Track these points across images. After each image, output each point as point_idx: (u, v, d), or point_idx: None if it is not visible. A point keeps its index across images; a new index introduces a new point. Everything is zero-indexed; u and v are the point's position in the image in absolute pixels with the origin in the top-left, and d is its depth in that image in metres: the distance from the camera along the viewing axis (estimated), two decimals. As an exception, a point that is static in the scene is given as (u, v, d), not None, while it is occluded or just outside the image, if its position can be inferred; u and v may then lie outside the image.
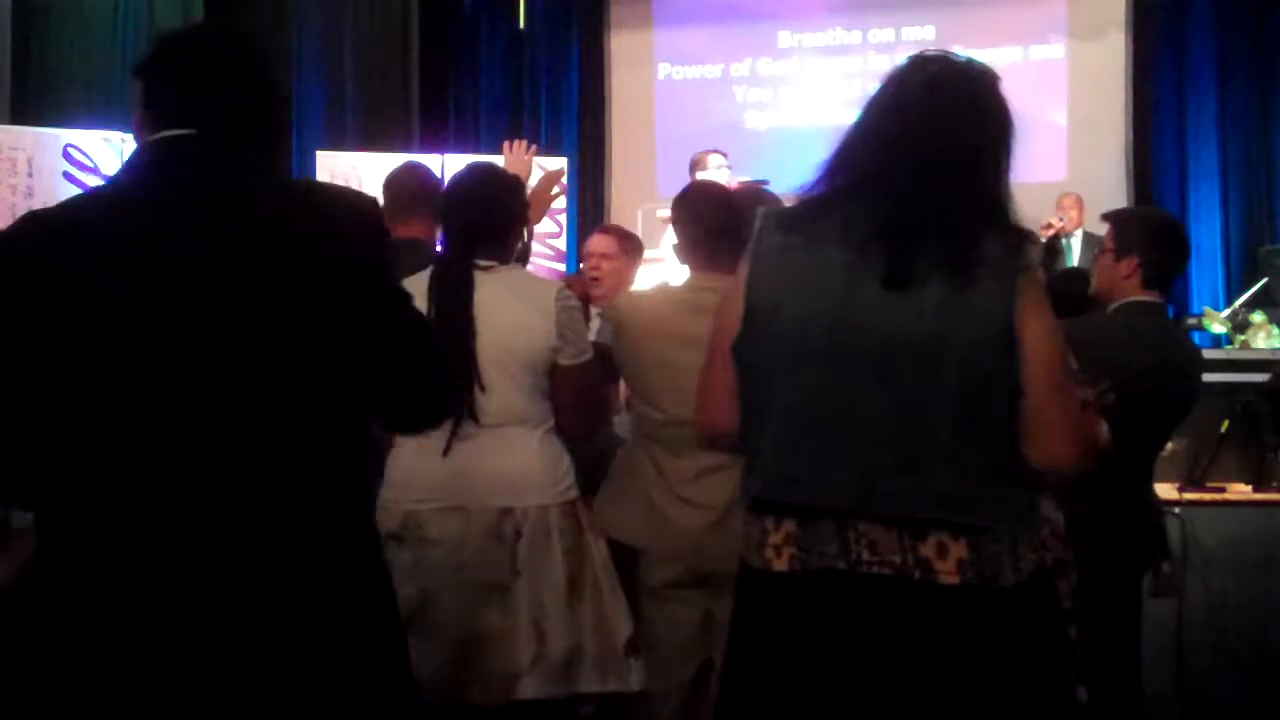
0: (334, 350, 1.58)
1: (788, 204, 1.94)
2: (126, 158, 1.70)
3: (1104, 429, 2.04)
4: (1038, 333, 1.74)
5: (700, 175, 6.21)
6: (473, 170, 2.96)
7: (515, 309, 2.74)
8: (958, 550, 1.74)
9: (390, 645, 1.66)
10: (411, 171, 3.58)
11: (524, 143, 3.65)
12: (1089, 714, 2.31)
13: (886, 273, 1.74)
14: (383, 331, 1.64)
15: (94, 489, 1.52)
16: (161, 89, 1.69)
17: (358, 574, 1.62)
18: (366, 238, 1.66)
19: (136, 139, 1.73)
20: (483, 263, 2.75)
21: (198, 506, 1.51)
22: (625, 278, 3.89)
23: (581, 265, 4.13)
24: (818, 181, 1.87)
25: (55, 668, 1.50)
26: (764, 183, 6.09)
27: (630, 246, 3.98)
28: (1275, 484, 4.14)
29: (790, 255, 1.81)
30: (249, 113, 1.70)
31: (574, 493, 2.80)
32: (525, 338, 2.74)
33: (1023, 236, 1.79)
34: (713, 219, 3.05)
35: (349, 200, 1.72)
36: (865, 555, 1.75)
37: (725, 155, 6.33)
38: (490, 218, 2.81)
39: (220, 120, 1.66)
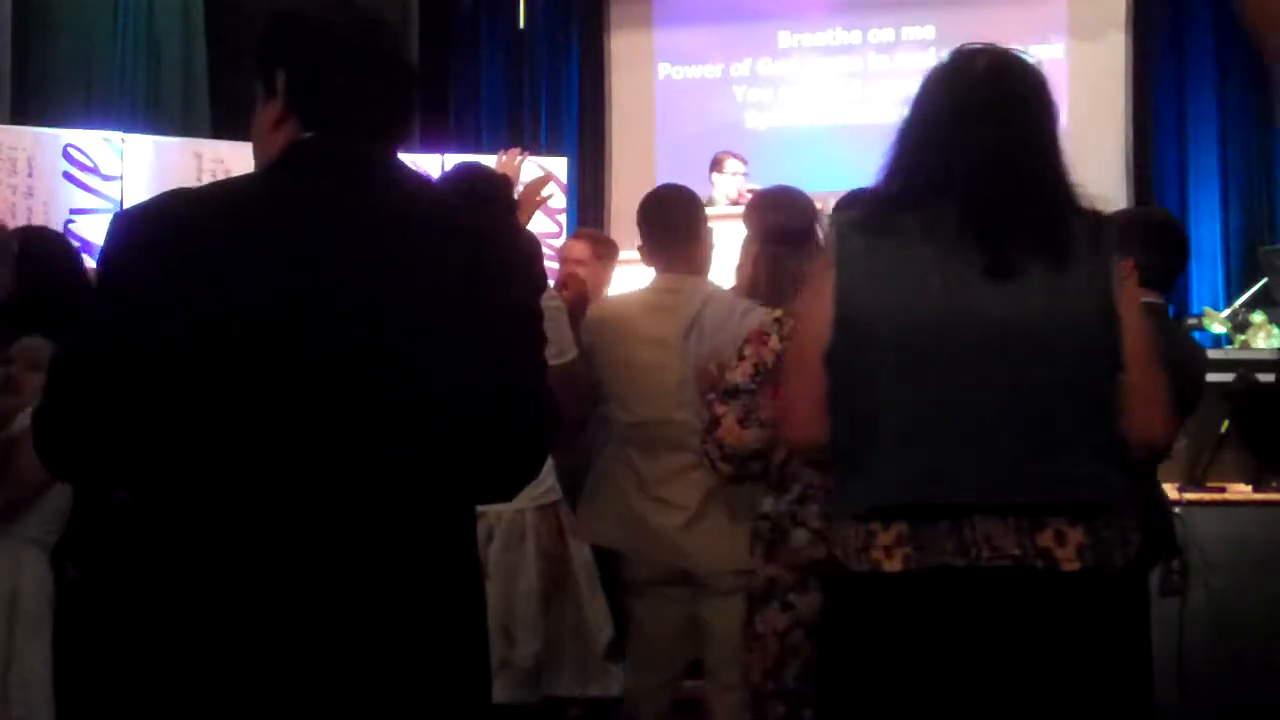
0: (460, 364, 1.54)
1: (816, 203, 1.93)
2: (282, 153, 1.60)
3: None
4: (1132, 308, 1.79)
5: (716, 176, 6.23)
6: (457, 169, 2.97)
7: None
8: (1076, 536, 1.75)
9: (476, 664, 1.64)
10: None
11: (515, 150, 3.69)
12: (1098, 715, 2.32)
13: (988, 263, 1.74)
14: (506, 352, 1.58)
15: (201, 484, 1.48)
16: (316, 83, 1.60)
17: (456, 594, 1.59)
18: (521, 273, 1.64)
19: (263, 135, 1.63)
20: None
21: (306, 512, 1.48)
22: (601, 282, 3.90)
23: (560, 269, 4.14)
24: (885, 182, 1.87)
25: (157, 658, 1.48)
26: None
27: (605, 250, 4.01)
28: (1275, 484, 4.15)
29: (878, 257, 1.80)
30: (401, 105, 1.66)
31: (554, 495, 2.80)
32: None
33: (1103, 217, 1.84)
34: (671, 221, 3.08)
35: (495, 218, 1.70)
36: (984, 550, 1.74)
37: (744, 161, 6.34)
38: None
39: (378, 117, 1.62)
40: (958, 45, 1.92)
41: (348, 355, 1.48)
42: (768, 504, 2.65)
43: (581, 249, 3.95)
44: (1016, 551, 1.74)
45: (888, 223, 1.81)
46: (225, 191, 1.61)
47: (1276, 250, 6.13)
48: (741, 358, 2.65)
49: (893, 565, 1.77)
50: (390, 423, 1.50)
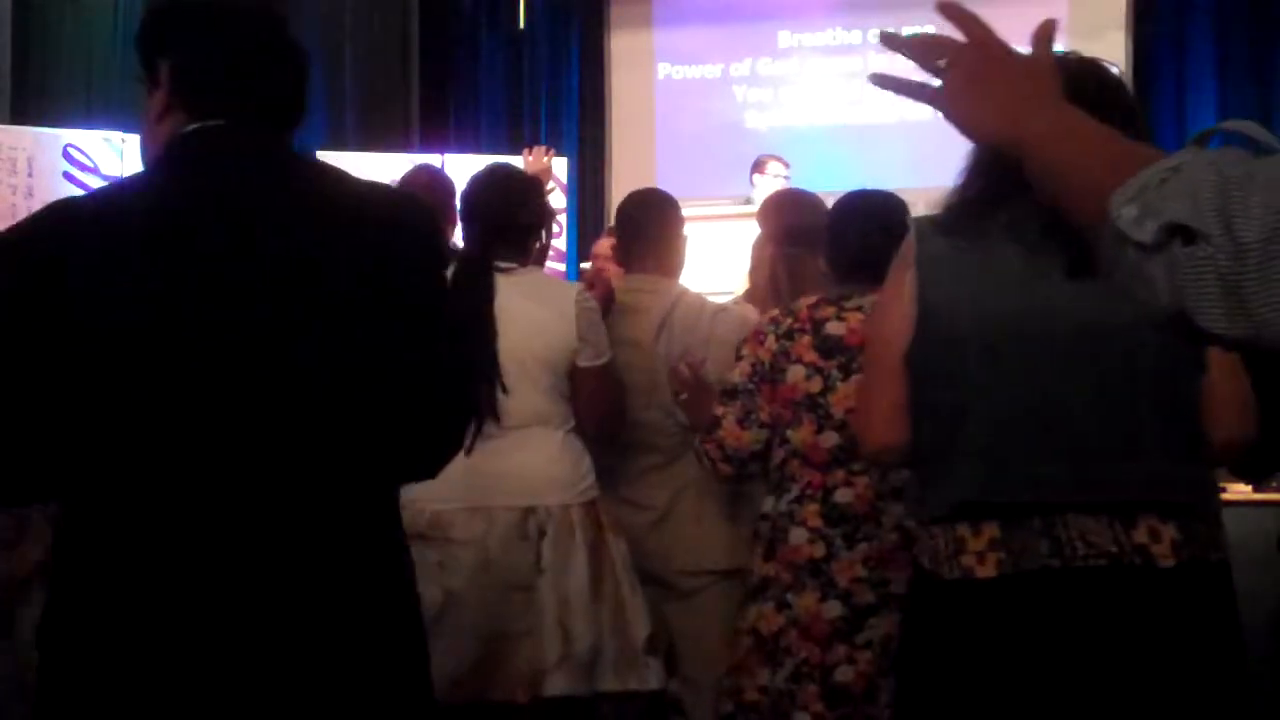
0: (370, 350, 1.53)
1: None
2: (167, 147, 1.58)
3: None
4: None
5: (758, 178, 6.24)
6: (493, 171, 2.98)
7: (535, 311, 2.76)
8: (1169, 532, 1.75)
9: (410, 649, 1.63)
10: (423, 173, 3.60)
11: (543, 148, 3.69)
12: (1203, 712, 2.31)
13: (1072, 262, 1.73)
14: (418, 335, 1.57)
15: (115, 486, 1.48)
16: (199, 72, 1.57)
17: (381, 578, 1.58)
18: (420, 239, 1.61)
19: (151, 127, 1.61)
20: (502, 264, 2.76)
21: (223, 505, 1.47)
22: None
23: (587, 266, 4.14)
24: (966, 182, 1.86)
25: (74, 664, 1.48)
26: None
27: None
28: (1275, 484, 4.14)
29: (960, 258, 1.80)
30: (291, 93, 1.62)
31: (594, 492, 2.81)
32: (545, 339, 2.75)
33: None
34: (642, 222, 3.11)
35: (400, 201, 1.66)
36: (1080, 549, 1.73)
37: (786, 164, 6.34)
38: (510, 219, 2.82)
39: (267, 105, 1.58)
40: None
41: (246, 346, 1.48)
42: (768, 504, 2.65)
43: (609, 245, 3.95)
44: (1113, 549, 1.73)
45: (969, 224, 1.81)
46: (114, 194, 1.61)
47: (1276, 250, 6.12)
48: (739, 357, 2.65)
49: (986, 571, 1.75)
50: (289, 410, 1.49)
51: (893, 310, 1.84)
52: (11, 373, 1.47)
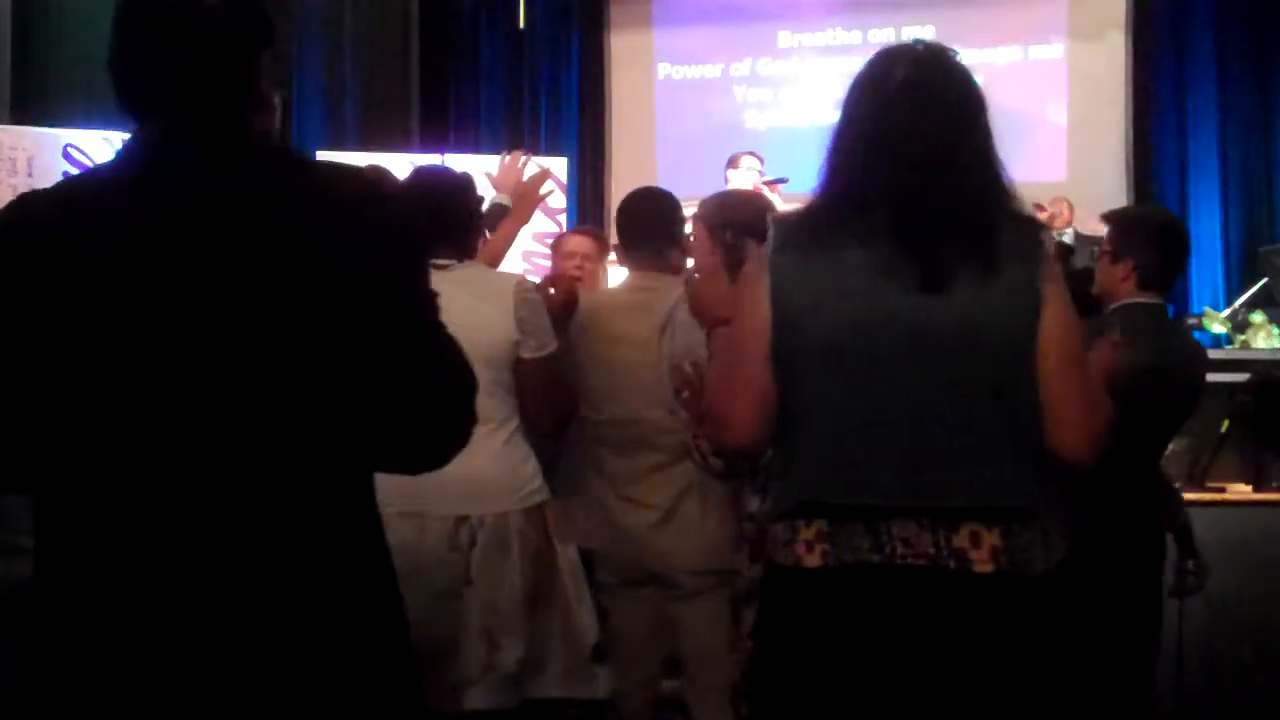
0: (349, 345, 1.50)
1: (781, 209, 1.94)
2: (123, 148, 1.57)
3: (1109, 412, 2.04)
4: (1056, 317, 1.78)
5: (732, 173, 6.26)
6: (422, 172, 2.98)
7: (471, 305, 2.72)
8: (991, 539, 1.76)
9: (396, 643, 1.62)
10: (372, 172, 3.59)
11: (518, 154, 3.67)
12: (1103, 713, 2.32)
13: (919, 274, 1.76)
14: (397, 329, 1.54)
15: (95, 482, 1.47)
16: (120, 74, 1.55)
17: (363, 572, 1.58)
18: (394, 227, 1.57)
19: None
20: (439, 262, 2.75)
21: (201, 501, 1.46)
22: (600, 278, 3.90)
23: (553, 266, 4.11)
24: (820, 193, 1.89)
25: (56, 666, 1.48)
26: (783, 180, 6.15)
27: (605, 246, 4.00)
28: (1275, 484, 4.15)
29: (811, 264, 1.82)
30: (232, 79, 1.55)
31: (539, 496, 2.78)
32: (482, 333, 2.72)
33: (1037, 224, 1.86)
34: (644, 220, 3.11)
35: (373, 187, 1.61)
36: (899, 549, 1.77)
37: (760, 158, 6.36)
38: (442, 217, 2.81)
39: (206, 96, 1.53)
40: (890, 45, 1.92)
41: (214, 345, 1.46)
42: (753, 504, 2.65)
43: (589, 245, 3.92)
44: (931, 551, 1.76)
45: (820, 233, 1.83)
46: (79, 186, 1.57)
47: (1276, 250, 6.14)
48: (709, 331, 2.65)
49: (812, 560, 1.80)
50: (275, 406, 1.47)
51: (752, 313, 1.86)
52: None
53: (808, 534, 1.81)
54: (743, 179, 6.20)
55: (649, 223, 3.12)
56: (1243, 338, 5.71)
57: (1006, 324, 1.77)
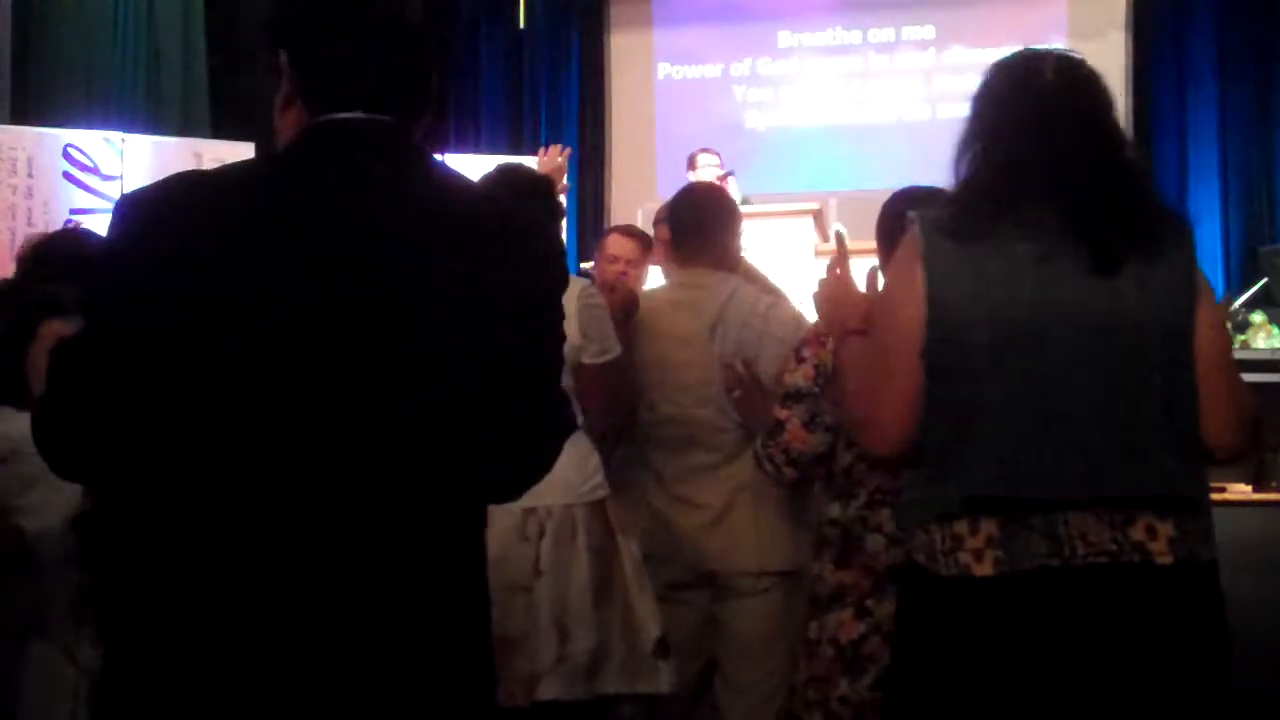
0: (485, 371, 1.49)
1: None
2: (295, 138, 1.51)
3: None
4: (1208, 315, 1.82)
5: (690, 175, 6.27)
6: (502, 170, 2.96)
7: None
8: (1166, 530, 1.76)
9: (479, 669, 1.61)
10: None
11: (558, 146, 3.64)
12: (1225, 704, 2.30)
13: (1090, 262, 1.77)
14: (526, 364, 1.53)
15: (219, 480, 1.43)
16: (320, 61, 1.51)
17: (461, 595, 1.56)
18: (549, 268, 1.58)
19: (278, 116, 1.54)
20: None
21: (320, 508, 1.43)
22: (643, 280, 3.88)
23: (589, 266, 4.08)
24: (972, 180, 1.87)
25: (156, 658, 1.45)
26: (730, 174, 6.14)
27: (647, 245, 3.97)
28: (1275, 484, 4.15)
29: (971, 255, 1.80)
30: (417, 81, 1.56)
31: (602, 492, 2.79)
32: None
33: (1185, 222, 1.89)
34: (697, 218, 3.09)
35: (517, 215, 1.60)
36: (1079, 549, 1.75)
37: (717, 154, 6.37)
38: None
39: (393, 96, 1.52)
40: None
41: (358, 350, 1.43)
42: (834, 510, 2.61)
43: (632, 247, 3.88)
44: (1112, 547, 1.74)
45: (980, 222, 1.81)
46: (235, 175, 1.53)
47: (1276, 250, 6.14)
48: (800, 360, 2.60)
49: (983, 569, 1.75)
50: (403, 422, 1.45)
51: (905, 305, 1.83)
52: (124, 360, 1.41)
53: (975, 541, 1.76)
54: (704, 176, 6.22)
55: (701, 220, 3.09)
56: (1243, 338, 5.70)
57: (1170, 315, 1.79)
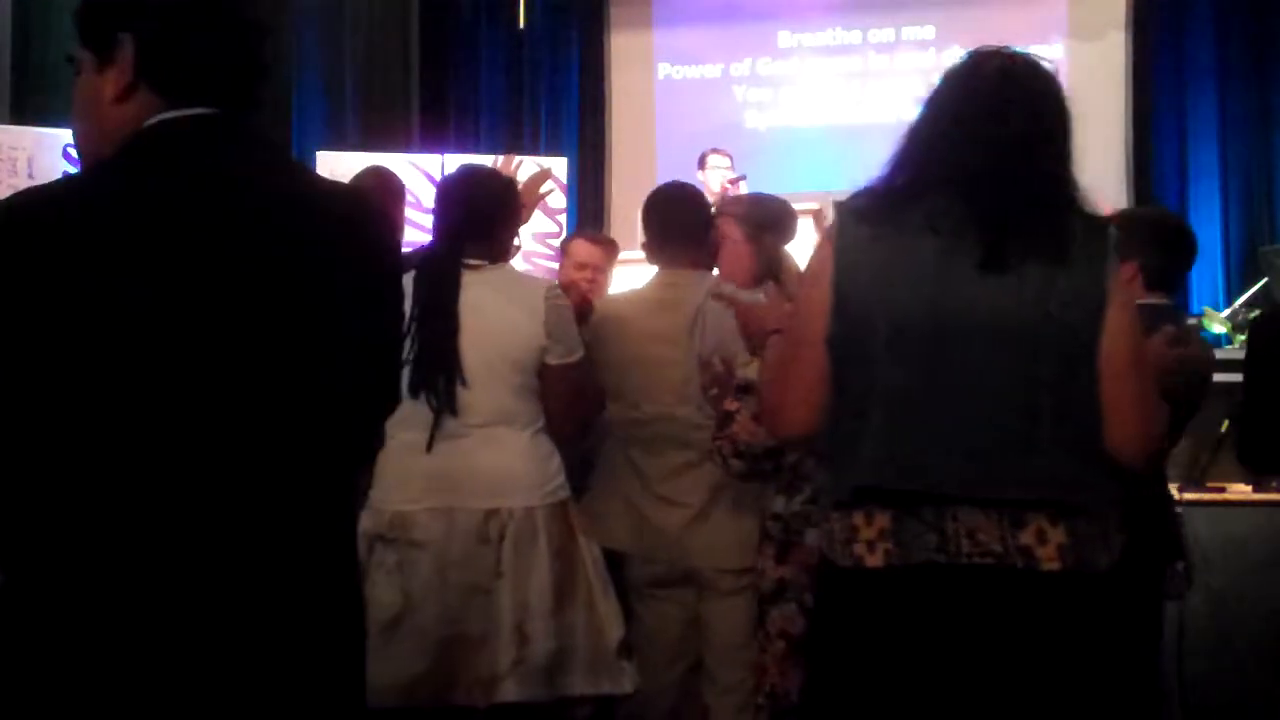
0: (332, 353, 1.51)
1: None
2: (151, 131, 1.48)
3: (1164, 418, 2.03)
4: (1120, 320, 1.79)
5: (699, 174, 6.28)
6: (465, 170, 2.99)
7: (502, 308, 2.74)
8: (1057, 536, 1.75)
9: (348, 661, 1.60)
10: (370, 175, 3.62)
11: (510, 157, 3.70)
12: (1109, 715, 2.30)
13: (984, 256, 1.76)
14: (371, 324, 1.57)
15: (81, 491, 1.42)
16: (174, 48, 1.48)
17: (330, 587, 1.56)
18: (390, 249, 1.62)
19: (104, 108, 1.48)
20: (471, 261, 2.75)
21: (187, 508, 1.44)
22: (606, 284, 3.90)
23: (560, 269, 4.10)
24: (892, 173, 1.88)
25: (38, 669, 1.43)
26: (741, 178, 6.17)
27: (612, 252, 3.99)
28: (1275, 484, 4.15)
29: (879, 246, 1.81)
30: (255, 73, 1.54)
31: (564, 494, 2.80)
32: (512, 337, 2.74)
33: (1105, 225, 1.86)
34: (673, 217, 3.10)
35: (359, 199, 1.65)
36: (965, 546, 1.75)
37: (728, 155, 6.39)
38: (480, 217, 2.81)
39: (239, 87, 1.51)
40: (973, 47, 1.93)
41: (228, 350, 1.44)
42: (779, 504, 2.64)
43: (598, 255, 3.90)
44: (998, 549, 1.75)
45: (890, 214, 1.82)
46: (96, 182, 1.48)
47: (1276, 250, 6.14)
48: (752, 352, 2.64)
49: (875, 560, 1.78)
50: (266, 412, 1.46)
51: (814, 297, 1.85)
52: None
53: (869, 532, 1.78)
54: (712, 178, 6.24)
55: (675, 220, 3.11)
56: (1243, 338, 5.70)
57: (1072, 317, 1.76)
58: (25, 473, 1.43)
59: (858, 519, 1.80)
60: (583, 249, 3.98)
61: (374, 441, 1.69)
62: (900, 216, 1.81)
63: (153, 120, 1.49)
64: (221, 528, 1.46)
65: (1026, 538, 1.75)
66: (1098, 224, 1.85)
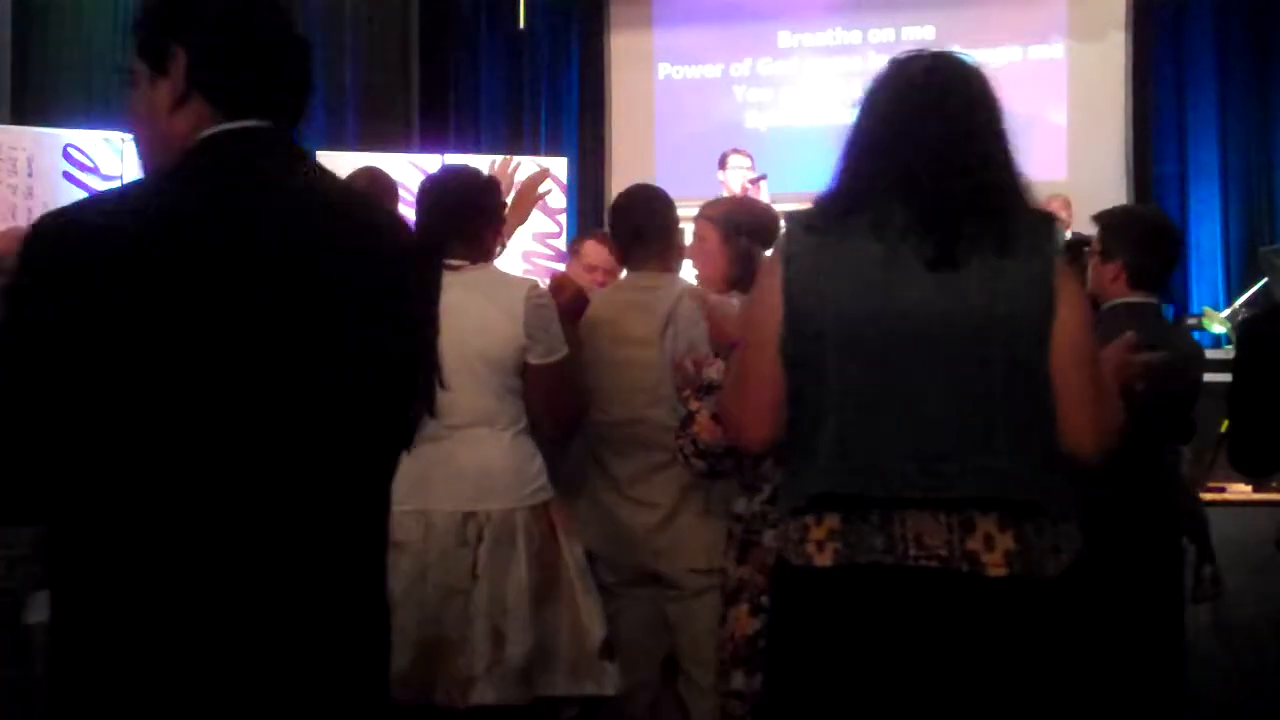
0: (377, 360, 1.58)
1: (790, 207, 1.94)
2: (206, 143, 1.49)
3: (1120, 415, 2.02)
4: (1070, 314, 1.78)
5: (720, 174, 6.28)
6: (445, 170, 2.99)
7: (482, 308, 2.73)
8: (1005, 542, 1.76)
9: (375, 666, 1.61)
10: (363, 175, 3.62)
11: (509, 159, 3.70)
12: (1133, 714, 2.30)
13: (932, 255, 1.76)
14: (401, 337, 1.64)
15: (124, 492, 1.42)
16: (229, 60, 1.49)
17: (361, 590, 1.58)
18: (408, 244, 1.69)
19: (159, 119, 1.51)
20: (452, 262, 2.74)
21: (226, 517, 1.44)
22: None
23: (569, 269, 4.10)
24: (835, 182, 1.89)
25: (82, 662, 1.44)
26: (762, 177, 6.18)
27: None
28: (1275, 484, 4.15)
29: (826, 253, 1.82)
30: (305, 89, 1.57)
31: (545, 495, 2.79)
32: (491, 337, 2.73)
33: (1049, 217, 1.86)
34: (643, 220, 3.11)
35: (382, 210, 1.70)
36: (912, 549, 1.76)
37: (749, 156, 6.39)
38: (461, 217, 2.80)
39: (291, 101, 1.54)
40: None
41: (284, 359, 1.46)
42: (740, 504, 2.65)
43: (608, 257, 3.90)
44: (943, 552, 1.75)
45: (836, 222, 1.84)
46: (154, 194, 1.49)
47: (1276, 250, 6.14)
48: (717, 354, 2.65)
49: (824, 560, 1.79)
50: (315, 424, 1.49)
51: (766, 307, 1.86)
52: (37, 391, 1.38)
53: (819, 533, 1.80)
54: (733, 178, 6.23)
55: (644, 222, 3.12)
56: (1242, 337, 5.70)
57: (1019, 313, 1.76)
58: (74, 472, 1.43)
59: (809, 519, 1.82)
60: (594, 250, 3.96)
61: (409, 441, 1.73)
62: (845, 223, 1.82)
63: (209, 131, 1.51)
64: (262, 527, 1.47)
65: (974, 543, 1.75)
66: (1040, 219, 1.84)
